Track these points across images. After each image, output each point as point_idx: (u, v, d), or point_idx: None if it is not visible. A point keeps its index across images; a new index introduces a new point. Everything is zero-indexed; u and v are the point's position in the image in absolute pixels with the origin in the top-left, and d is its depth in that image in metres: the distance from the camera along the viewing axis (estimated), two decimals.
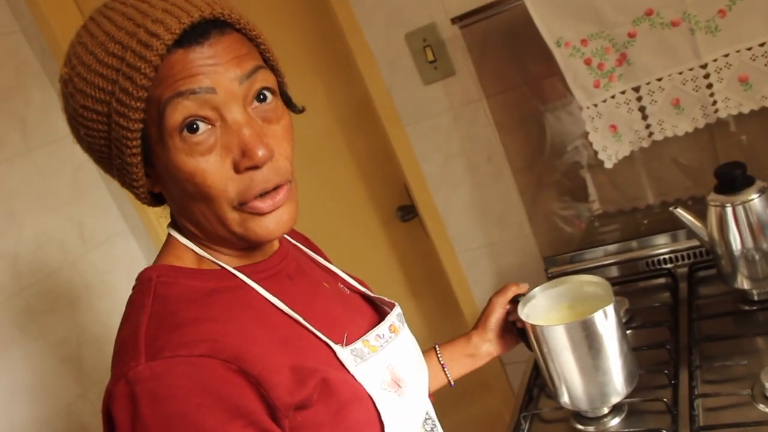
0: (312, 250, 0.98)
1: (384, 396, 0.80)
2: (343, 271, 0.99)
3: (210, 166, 0.70)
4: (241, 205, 0.72)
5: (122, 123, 0.70)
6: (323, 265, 0.98)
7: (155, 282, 0.74)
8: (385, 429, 0.78)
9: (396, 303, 0.96)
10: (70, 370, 1.78)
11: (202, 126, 0.69)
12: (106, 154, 0.74)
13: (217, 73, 0.69)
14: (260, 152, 0.69)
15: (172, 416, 0.64)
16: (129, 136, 0.70)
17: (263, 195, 0.73)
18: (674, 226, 1.49)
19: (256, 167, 0.71)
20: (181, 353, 0.66)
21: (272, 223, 0.74)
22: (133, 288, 0.77)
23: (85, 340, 1.84)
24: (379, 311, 0.97)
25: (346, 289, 0.96)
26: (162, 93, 0.68)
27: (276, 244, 0.88)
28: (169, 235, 0.81)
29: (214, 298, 0.74)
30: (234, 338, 0.70)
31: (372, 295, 0.98)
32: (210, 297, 0.74)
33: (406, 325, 0.94)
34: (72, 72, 0.72)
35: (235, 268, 0.79)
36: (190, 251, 0.79)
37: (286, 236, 0.92)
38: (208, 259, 0.79)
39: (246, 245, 0.80)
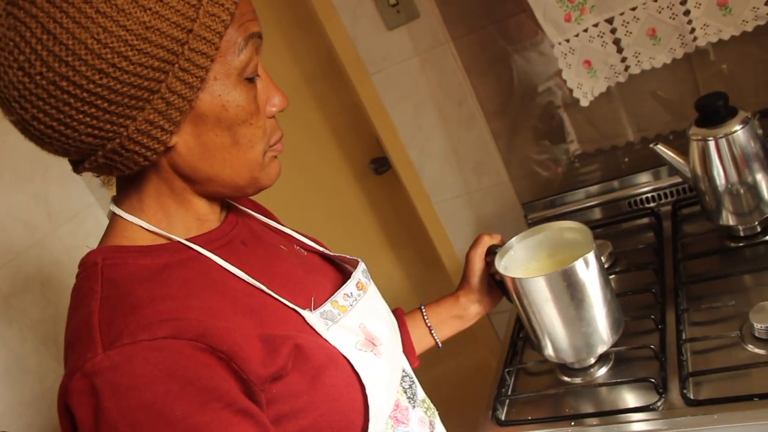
0: (261, 214, 0.94)
1: (361, 357, 0.76)
2: (297, 232, 0.95)
3: (259, 106, 0.72)
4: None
5: (203, 49, 0.64)
6: (276, 227, 0.93)
7: (101, 265, 0.69)
8: (366, 391, 0.75)
9: (359, 259, 0.92)
10: (49, 351, 1.73)
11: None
12: (143, 93, 0.63)
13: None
14: (287, 100, 0.75)
15: (139, 408, 0.59)
16: (203, 64, 0.65)
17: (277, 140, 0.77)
18: (656, 163, 1.44)
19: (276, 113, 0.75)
20: (142, 337, 0.61)
21: (278, 168, 0.77)
22: (77, 275, 0.71)
23: (61, 319, 1.77)
24: (340, 270, 0.93)
25: (302, 251, 0.92)
26: (237, 30, 0.67)
27: (223, 213, 0.83)
28: (114, 215, 0.75)
29: (169, 273, 0.69)
30: (197, 314, 0.65)
31: (331, 253, 0.95)
32: (164, 273, 0.69)
33: (372, 281, 0.91)
34: None
35: (187, 239, 0.74)
36: (139, 228, 0.74)
37: (233, 202, 0.87)
38: (159, 233, 0.73)
39: (223, 201, 0.79)
